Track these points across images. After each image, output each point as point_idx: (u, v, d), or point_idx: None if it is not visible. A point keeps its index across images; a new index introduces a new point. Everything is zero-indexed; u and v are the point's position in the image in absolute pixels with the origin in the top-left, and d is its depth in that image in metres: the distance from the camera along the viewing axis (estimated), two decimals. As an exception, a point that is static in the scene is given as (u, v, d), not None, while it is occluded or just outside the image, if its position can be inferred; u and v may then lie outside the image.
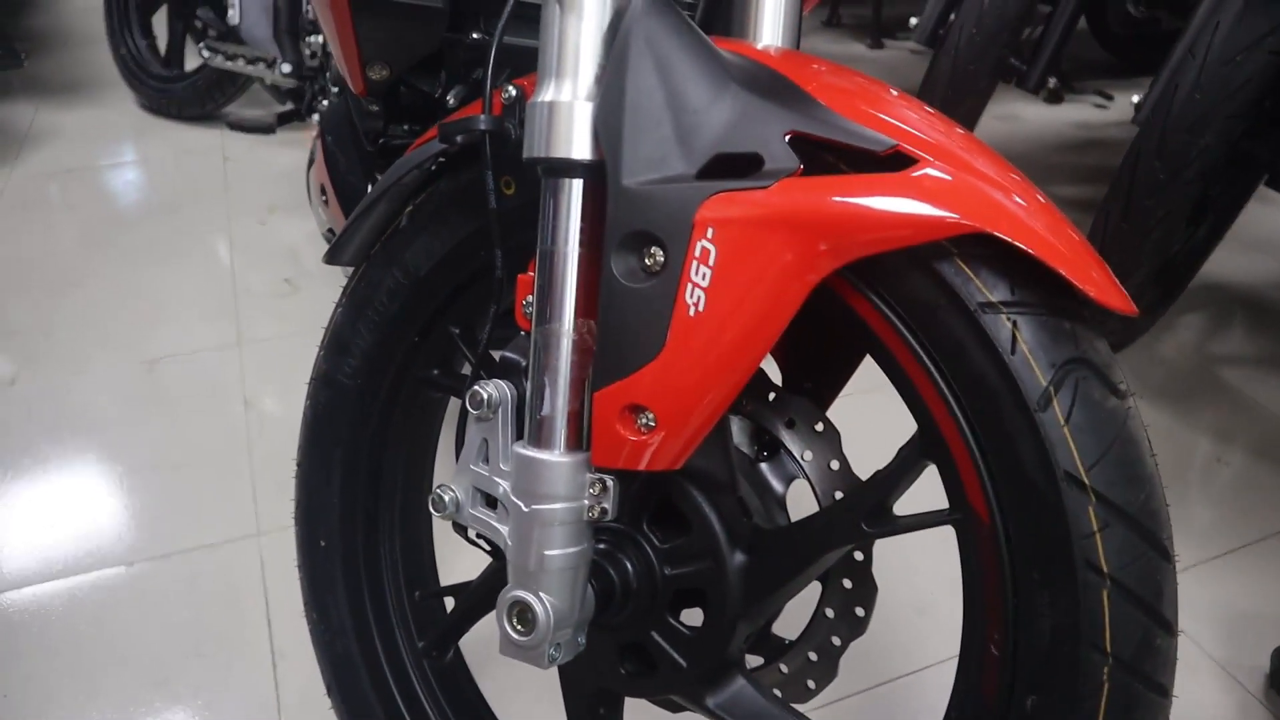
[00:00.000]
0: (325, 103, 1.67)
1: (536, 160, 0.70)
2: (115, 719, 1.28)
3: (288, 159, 3.02)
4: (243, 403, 1.91)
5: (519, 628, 0.73)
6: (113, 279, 2.35)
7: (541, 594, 0.72)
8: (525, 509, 0.72)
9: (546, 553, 0.72)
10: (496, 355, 0.82)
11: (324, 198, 1.47)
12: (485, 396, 0.75)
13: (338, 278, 2.35)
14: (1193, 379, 2.19)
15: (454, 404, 1.07)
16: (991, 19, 2.18)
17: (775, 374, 0.91)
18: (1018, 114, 3.84)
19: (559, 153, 0.69)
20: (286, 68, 2.28)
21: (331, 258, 0.99)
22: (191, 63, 3.22)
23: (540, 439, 0.72)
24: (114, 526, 1.60)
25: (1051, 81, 3.68)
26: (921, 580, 1.54)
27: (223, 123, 3.21)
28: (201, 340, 2.11)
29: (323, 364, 1.01)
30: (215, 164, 2.98)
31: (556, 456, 0.71)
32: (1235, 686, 1.40)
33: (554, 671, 0.93)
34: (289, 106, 2.29)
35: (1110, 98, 4.00)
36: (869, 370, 0.90)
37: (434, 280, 0.92)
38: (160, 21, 3.32)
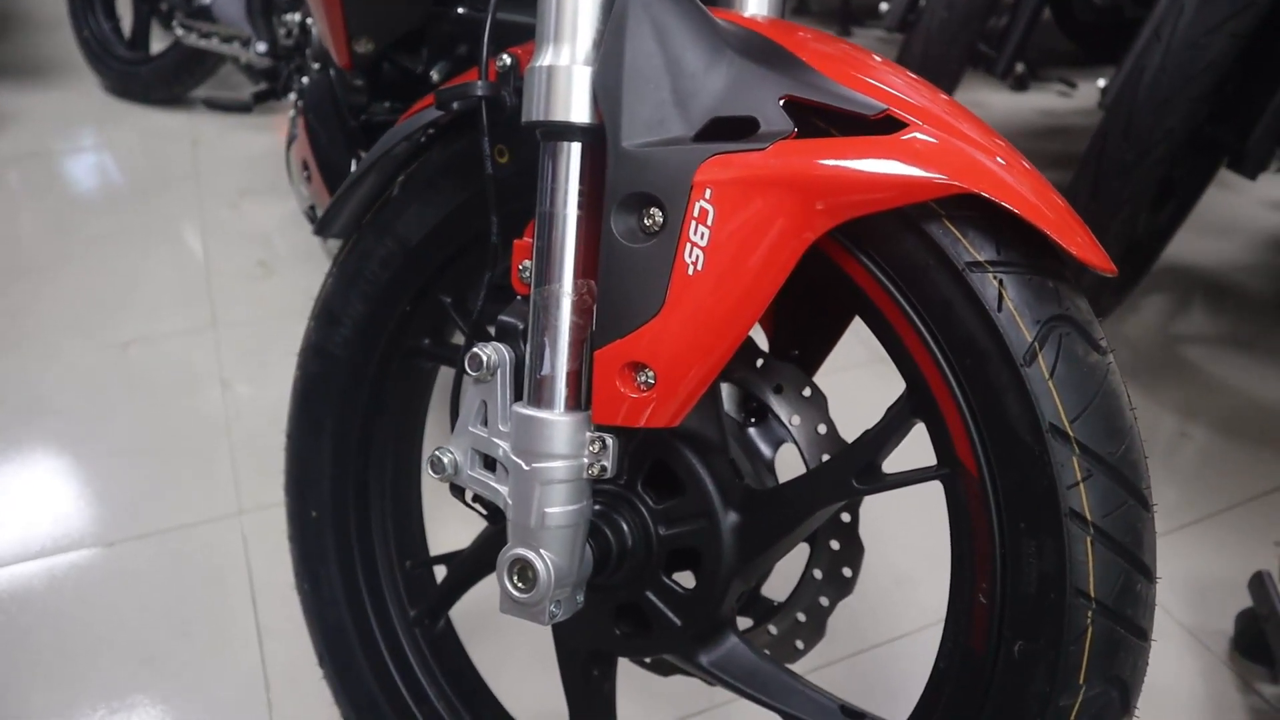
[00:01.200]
0: (304, 80, 1.66)
1: (535, 124, 0.71)
2: (101, 696, 1.28)
3: (258, 143, 2.99)
4: (219, 384, 1.90)
5: (520, 585, 0.74)
6: (82, 264, 2.32)
7: (542, 551, 0.73)
8: (526, 467, 0.73)
9: (547, 510, 0.73)
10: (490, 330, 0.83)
11: (306, 174, 1.46)
12: (484, 358, 0.76)
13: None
14: (1157, 358, 2.24)
15: (444, 375, 1.08)
16: (962, 3, 2.21)
17: (763, 342, 0.93)
18: (984, 101, 3.89)
19: (558, 116, 0.70)
20: (261, 47, 2.26)
21: (321, 229, 0.99)
22: (157, 45, 3.18)
23: (540, 398, 0.73)
24: (93, 507, 1.59)
25: (1019, 67, 3.73)
26: (899, 555, 1.57)
27: (191, 106, 3.18)
28: (175, 323, 2.10)
29: (313, 335, 1.01)
30: (184, 148, 2.95)
31: (556, 415, 0.72)
32: (1202, 650, 1.44)
33: (542, 640, 0.95)
34: (263, 86, 2.27)
35: (1074, 85, 4.06)
36: (849, 346, 0.93)
37: (426, 249, 0.93)
38: (125, 4, 3.27)
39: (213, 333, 2.07)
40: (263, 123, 3.09)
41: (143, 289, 2.23)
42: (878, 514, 1.55)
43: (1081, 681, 0.66)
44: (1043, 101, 3.95)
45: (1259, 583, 1.41)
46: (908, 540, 1.56)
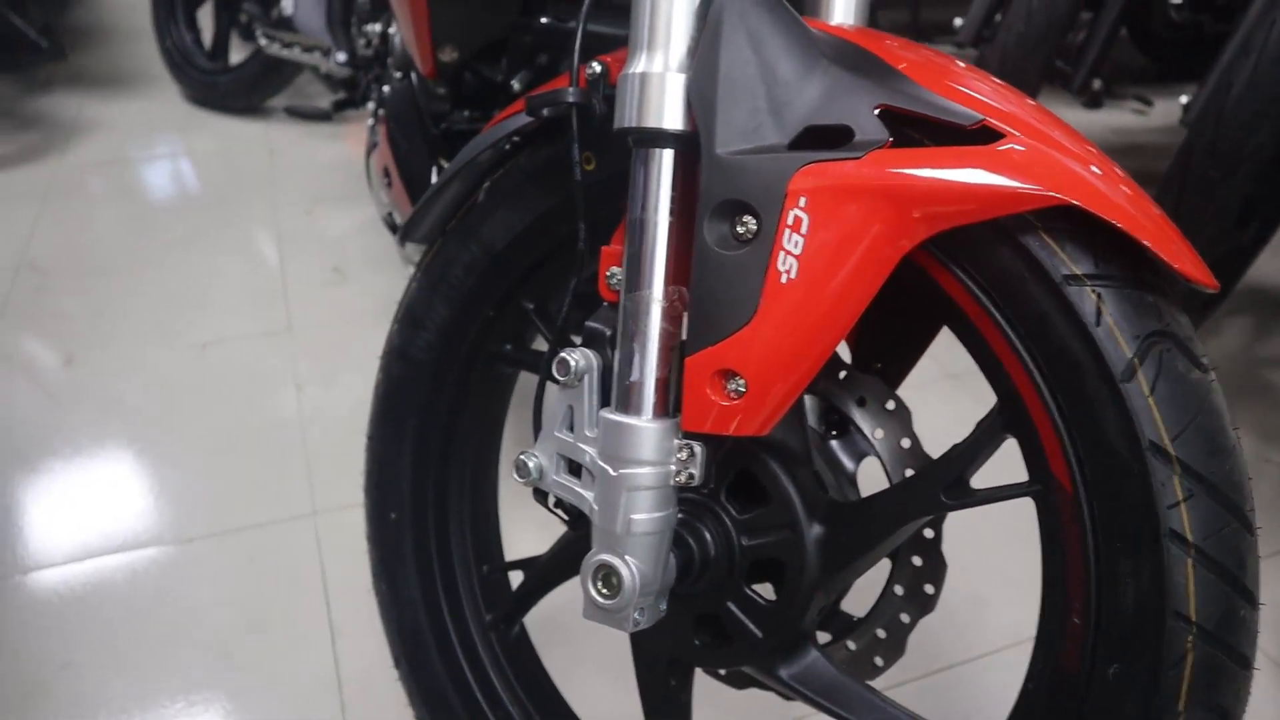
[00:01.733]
0: (383, 89, 1.69)
1: (628, 130, 0.71)
2: (176, 689, 1.30)
3: (332, 152, 3.06)
4: (294, 386, 1.94)
5: (604, 591, 0.74)
6: (161, 266, 2.39)
7: (627, 557, 0.73)
8: (613, 473, 0.73)
9: (633, 516, 0.73)
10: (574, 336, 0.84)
11: (386, 180, 1.49)
12: (573, 364, 0.76)
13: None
14: (1239, 381, 2.17)
15: (524, 381, 1.09)
16: (1040, 17, 2.18)
17: (845, 355, 0.92)
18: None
19: (650, 123, 0.70)
20: (341, 57, 2.31)
21: (406, 235, 1.01)
22: (236, 56, 3.27)
23: (629, 404, 0.73)
24: (172, 504, 1.63)
25: (1096, 83, 3.66)
26: (977, 573, 1.54)
27: (268, 115, 3.25)
28: (252, 326, 2.14)
29: (396, 339, 1.03)
30: (261, 156, 3.02)
31: (645, 421, 0.72)
32: (1289, 683, 1.40)
33: (615, 649, 0.94)
34: (342, 95, 2.33)
35: (1150, 103, 3.97)
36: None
37: (510, 255, 0.94)
38: (206, 15, 3.37)
39: (288, 336, 2.11)
40: (336, 132, 3.16)
41: (219, 292, 2.28)
42: (954, 532, 1.53)
43: (1182, 708, 0.65)
44: (1117, 119, 3.87)
45: (1351, 615, 1.36)
46: (982, 558, 1.54)
